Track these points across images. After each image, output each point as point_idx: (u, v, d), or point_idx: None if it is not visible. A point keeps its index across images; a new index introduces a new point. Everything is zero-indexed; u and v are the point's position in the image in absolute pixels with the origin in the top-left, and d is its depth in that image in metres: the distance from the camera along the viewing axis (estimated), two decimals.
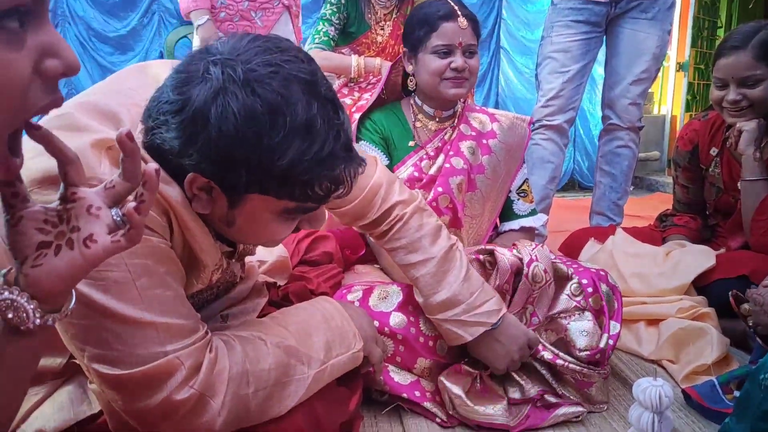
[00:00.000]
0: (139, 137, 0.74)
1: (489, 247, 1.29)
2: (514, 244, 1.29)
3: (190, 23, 3.63)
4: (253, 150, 0.70)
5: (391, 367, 1.18)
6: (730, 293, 1.36)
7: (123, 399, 0.75)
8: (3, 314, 0.55)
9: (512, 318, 1.16)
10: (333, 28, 2.25)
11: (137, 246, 0.59)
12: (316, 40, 2.25)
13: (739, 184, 1.68)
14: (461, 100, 1.56)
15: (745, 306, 1.30)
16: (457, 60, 1.46)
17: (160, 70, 0.83)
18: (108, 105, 0.77)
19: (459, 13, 1.47)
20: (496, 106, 4.30)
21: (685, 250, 1.69)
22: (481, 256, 1.27)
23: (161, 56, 3.66)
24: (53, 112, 0.59)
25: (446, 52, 1.47)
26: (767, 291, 1.26)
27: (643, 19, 2.20)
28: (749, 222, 1.64)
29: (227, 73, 0.70)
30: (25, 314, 0.55)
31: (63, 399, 0.85)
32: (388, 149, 1.55)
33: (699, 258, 1.62)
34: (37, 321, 0.55)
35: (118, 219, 0.57)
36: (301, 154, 0.71)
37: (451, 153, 1.52)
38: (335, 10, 2.25)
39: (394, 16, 2.31)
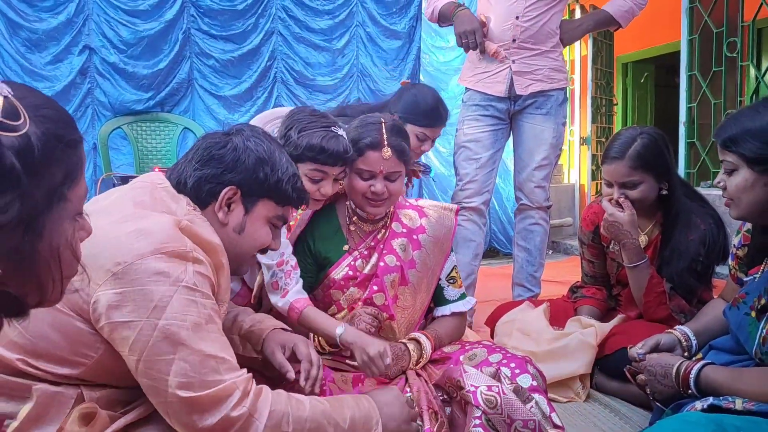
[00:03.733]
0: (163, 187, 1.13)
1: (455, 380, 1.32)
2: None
3: (123, 115, 3.74)
4: (268, 168, 1.15)
5: None
6: (625, 369, 1.54)
7: (194, 418, 0.95)
8: None
9: (387, 397, 1.23)
10: None
11: (206, 300, 0.99)
12: None
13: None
14: None
15: (641, 377, 1.46)
16: (377, 185, 1.54)
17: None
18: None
19: (385, 143, 1.53)
20: (420, 183, 4.59)
21: (568, 347, 1.87)
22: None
23: (95, 147, 3.71)
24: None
25: (368, 177, 1.55)
26: (657, 362, 1.43)
27: (538, 114, 2.52)
28: (641, 300, 1.87)
29: (248, 132, 1.19)
30: None
31: None
32: (316, 262, 1.63)
33: (573, 363, 1.85)
34: None
35: None
36: (287, 170, 1.19)
37: (384, 252, 1.62)
38: None
39: None
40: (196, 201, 1.12)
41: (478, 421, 1.25)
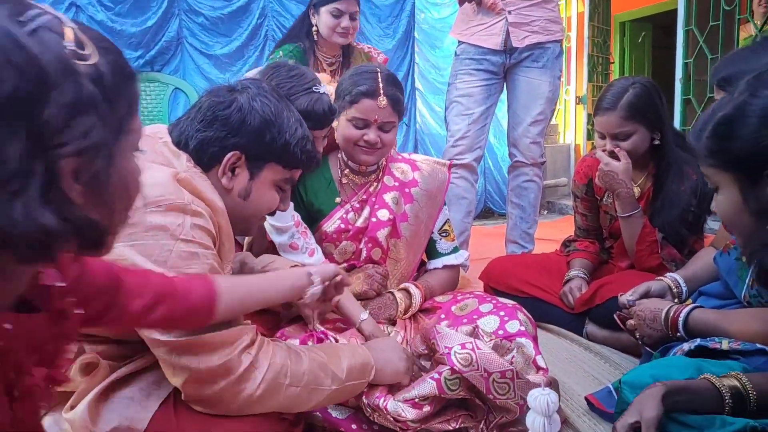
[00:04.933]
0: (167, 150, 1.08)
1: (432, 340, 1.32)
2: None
3: None
4: (275, 131, 1.10)
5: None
6: (615, 315, 1.56)
7: (200, 360, 0.96)
8: None
9: (382, 344, 1.28)
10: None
11: (206, 251, 1.00)
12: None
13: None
14: None
15: (631, 321, 1.49)
16: (370, 134, 1.54)
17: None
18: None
19: (381, 92, 1.52)
20: (415, 143, 4.57)
21: None
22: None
23: None
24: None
25: (362, 125, 1.55)
26: (647, 306, 1.46)
27: (535, 67, 2.48)
28: (632, 249, 1.89)
29: (254, 89, 1.12)
30: None
31: (144, 383, 1.04)
32: (308, 215, 1.62)
33: None
34: None
35: None
36: (295, 132, 1.13)
37: (376, 206, 1.62)
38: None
39: (338, 73, 2.45)
40: (198, 163, 1.09)
41: (437, 375, 1.25)
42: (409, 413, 1.22)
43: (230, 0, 3.95)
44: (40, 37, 0.54)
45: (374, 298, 1.56)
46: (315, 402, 1.10)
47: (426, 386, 1.25)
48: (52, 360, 0.67)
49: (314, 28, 2.38)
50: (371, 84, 1.53)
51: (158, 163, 1.03)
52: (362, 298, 1.54)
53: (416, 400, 1.23)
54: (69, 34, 0.56)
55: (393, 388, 1.27)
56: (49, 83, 0.53)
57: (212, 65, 3.96)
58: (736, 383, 0.99)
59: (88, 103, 0.56)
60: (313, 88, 1.45)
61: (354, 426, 1.27)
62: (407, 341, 1.47)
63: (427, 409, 1.24)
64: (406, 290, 1.58)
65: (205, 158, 1.09)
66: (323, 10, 2.34)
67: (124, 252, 0.93)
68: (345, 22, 2.33)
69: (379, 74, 1.55)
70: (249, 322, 1.06)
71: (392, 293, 1.57)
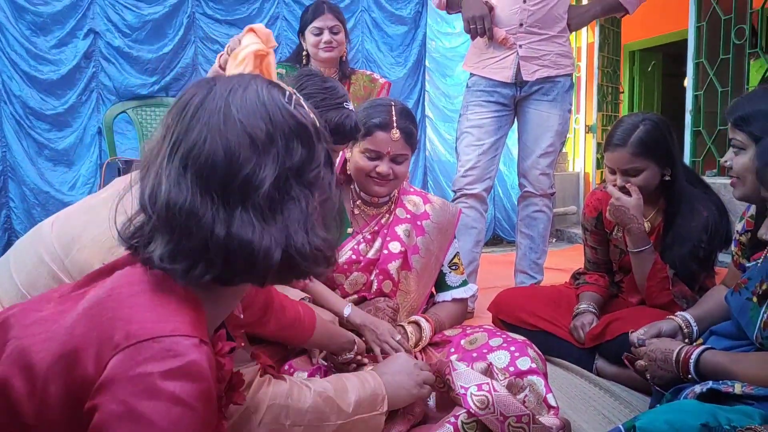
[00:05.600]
0: None
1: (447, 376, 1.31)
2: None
3: (128, 100, 3.75)
4: None
5: None
6: (623, 356, 1.55)
7: None
8: None
9: (393, 367, 1.25)
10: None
11: None
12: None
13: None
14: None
15: (640, 362, 1.47)
16: (383, 166, 1.55)
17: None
18: None
19: (395, 124, 1.54)
20: (424, 170, 4.59)
21: None
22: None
23: (100, 131, 3.72)
24: None
25: (374, 157, 1.57)
26: (657, 347, 1.44)
27: (545, 101, 2.51)
28: (643, 285, 1.87)
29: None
30: None
31: None
32: None
33: None
34: None
35: None
36: None
37: (388, 238, 1.63)
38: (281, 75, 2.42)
39: None
40: None
41: (453, 419, 1.23)
42: None
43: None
44: (299, 111, 0.74)
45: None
46: None
47: (443, 430, 1.23)
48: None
49: (304, 52, 2.52)
50: (385, 116, 1.56)
51: None
52: None
53: None
54: (305, 104, 0.76)
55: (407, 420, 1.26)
56: (314, 146, 0.75)
57: None
58: None
59: (327, 156, 0.76)
60: (344, 104, 1.47)
61: None
62: None
63: None
64: (417, 323, 1.58)
65: None
66: (307, 32, 2.49)
67: None
68: (326, 36, 2.45)
69: (393, 107, 1.58)
70: (254, 363, 1.04)
71: (402, 326, 1.57)
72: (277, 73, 2.34)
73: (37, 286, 0.99)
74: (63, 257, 1.00)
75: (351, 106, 1.49)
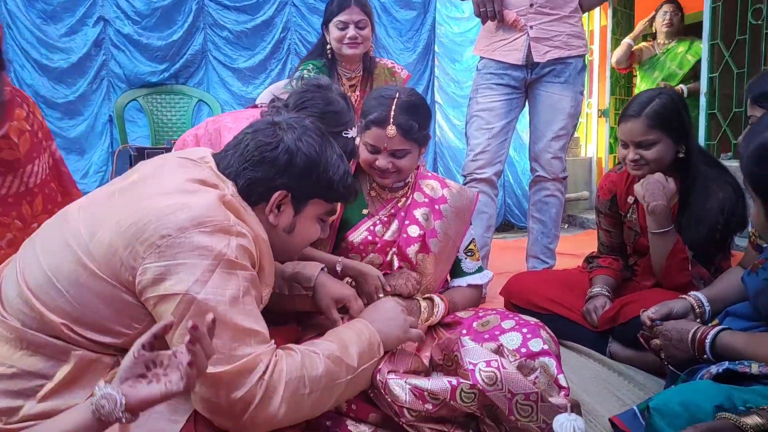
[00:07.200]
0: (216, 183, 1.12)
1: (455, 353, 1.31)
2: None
3: (138, 87, 3.77)
4: (320, 170, 1.16)
5: (349, 421, 1.27)
6: (638, 335, 1.53)
7: (218, 394, 0.97)
8: (98, 404, 0.79)
9: (380, 310, 1.30)
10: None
11: (245, 273, 1.01)
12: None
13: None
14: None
15: (656, 341, 1.46)
16: (381, 161, 1.56)
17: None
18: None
19: (390, 121, 1.52)
20: (434, 156, 4.57)
21: None
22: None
23: (111, 119, 3.73)
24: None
25: (373, 151, 1.57)
26: (673, 327, 1.43)
27: (557, 83, 2.47)
28: (660, 266, 1.84)
29: (299, 129, 1.16)
30: (114, 404, 0.78)
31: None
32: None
33: None
34: (123, 416, 0.80)
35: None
36: (338, 169, 1.19)
37: (407, 222, 1.63)
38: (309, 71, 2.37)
39: (358, 88, 2.49)
40: (245, 199, 1.12)
41: (455, 382, 1.23)
42: (409, 398, 1.21)
43: (254, 14, 4.01)
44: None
45: (402, 299, 1.56)
46: (335, 398, 1.12)
47: (439, 384, 1.23)
48: None
49: (328, 46, 2.42)
50: (381, 112, 1.54)
51: (207, 187, 1.07)
52: (393, 294, 1.56)
53: (425, 394, 1.22)
54: None
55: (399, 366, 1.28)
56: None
57: (235, 78, 4.01)
58: (759, 420, 0.96)
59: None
60: (344, 132, 1.47)
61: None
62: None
63: (428, 406, 1.22)
64: (431, 299, 1.58)
65: (253, 196, 1.13)
66: (331, 25, 2.39)
67: (169, 269, 0.96)
68: (351, 32, 2.37)
69: (394, 101, 1.54)
70: (273, 342, 1.06)
71: (417, 300, 1.57)
72: (305, 70, 2.33)
73: (62, 269, 1.00)
74: (88, 242, 1.00)
75: (353, 133, 1.51)
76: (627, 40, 4.28)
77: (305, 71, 2.36)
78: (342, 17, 2.36)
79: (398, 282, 1.55)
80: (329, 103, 1.49)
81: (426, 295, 1.60)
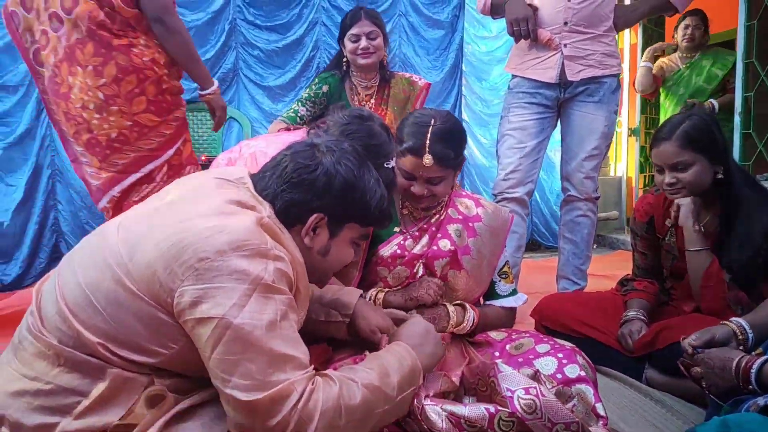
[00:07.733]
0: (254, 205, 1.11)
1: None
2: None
3: None
4: (358, 194, 1.15)
5: None
6: (678, 362, 1.48)
7: (253, 421, 0.96)
8: None
9: (415, 334, 1.25)
10: (305, 108, 2.48)
11: (283, 297, 1.00)
12: (284, 115, 2.51)
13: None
14: None
15: (696, 369, 1.41)
16: (416, 187, 1.55)
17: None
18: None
19: (427, 149, 1.50)
20: (462, 174, 4.54)
21: None
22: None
23: None
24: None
25: (409, 177, 1.56)
26: (716, 355, 1.38)
27: (590, 102, 2.44)
28: (698, 288, 1.80)
29: (338, 152, 1.15)
30: None
31: (206, 418, 1.03)
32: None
33: None
34: None
35: None
36: (375, 193, 1.18)
37: (439, 235, 1.62)
38: (312, 95, 2.49)
39: (374, 96, 2.54)
40: (282, 221, 1.11)
41: (493, 410, 1.19)
42: (445, 426, 1.16)
43: (285, 34, 4.07)
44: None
45: (429, 307, 1.54)
46: (371, 427, 1.09)
47: (477, 412, 1.18)
48: None
49: (344, 59, 2.54)
50: (417, 140, 1.52)
51: (245, 208, 1.07)
52: (417, 304, 1.53)
53: (462, 421, 1.17)
54: None
55: (429, 388, 1.25)
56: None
57: (265, 96, 4.06)
58: None
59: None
60: (385, 163, 1.46)
61: None
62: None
63: None
64: (462, 306, 1.56)
65: (290, 218, 1.12)
66: (345, 39, 2.50)
67: (207, 293, 0.96)
68: (363, 43, 2.46)
69: (429, 128, 1.52)
70: (312, 368, 1.03)
71: (446, 305, 1.55)
72: (318, 86, 2.43)
73: (100, 288, 1.01)
74: (127, 261, 1.01)
75: (392, 164, 1.49)
76: (644, 64, 4.13)
77: (315, 85, 2.52)
78: (354, 30, 2.46)
79: (419, 293, 1.53)
80: (372, 135, 1.46)
81: (456, 303, 1.58)
